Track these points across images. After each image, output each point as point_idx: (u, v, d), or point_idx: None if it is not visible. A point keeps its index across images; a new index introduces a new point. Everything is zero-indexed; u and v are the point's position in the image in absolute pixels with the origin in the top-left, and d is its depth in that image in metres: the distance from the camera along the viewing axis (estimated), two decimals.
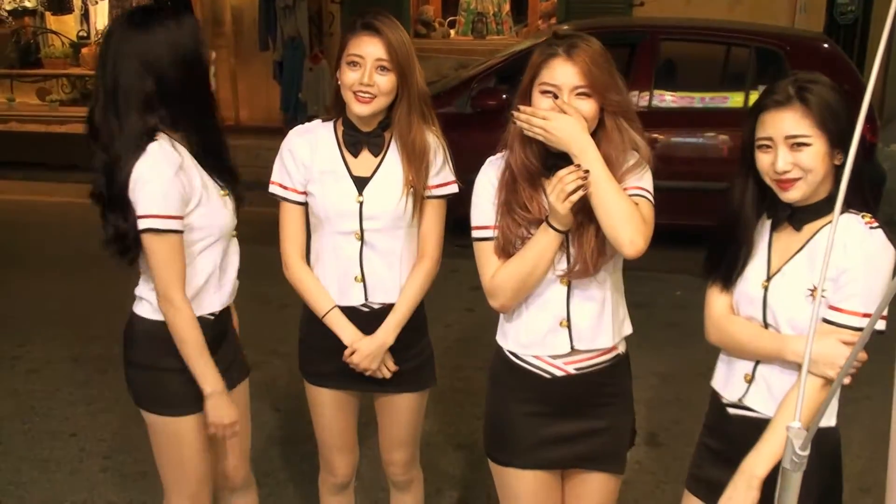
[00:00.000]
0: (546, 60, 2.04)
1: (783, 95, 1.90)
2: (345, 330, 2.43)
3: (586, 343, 2.15)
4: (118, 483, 3.60)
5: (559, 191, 1.96)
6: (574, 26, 7.29)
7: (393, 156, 2.40)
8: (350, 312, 2.44)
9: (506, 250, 2.13)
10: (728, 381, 2.11)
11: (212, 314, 2.38)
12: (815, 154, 1.89)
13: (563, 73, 2.01)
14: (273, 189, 2.44)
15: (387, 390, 2.53)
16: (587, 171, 1.95)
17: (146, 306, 2.35)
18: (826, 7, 8.98)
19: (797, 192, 1.93)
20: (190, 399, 2.34)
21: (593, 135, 2.02)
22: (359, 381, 2.50)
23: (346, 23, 9.66)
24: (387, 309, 2.44)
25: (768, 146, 1.94)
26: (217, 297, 2.39)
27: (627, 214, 1.96)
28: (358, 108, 2.31)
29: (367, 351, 2.42)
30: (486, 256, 2.17)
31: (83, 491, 3.56)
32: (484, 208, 2.17)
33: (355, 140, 2.39)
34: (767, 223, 2.05)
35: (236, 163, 2.47)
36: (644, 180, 2.08)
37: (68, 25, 10.39)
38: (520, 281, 2.10)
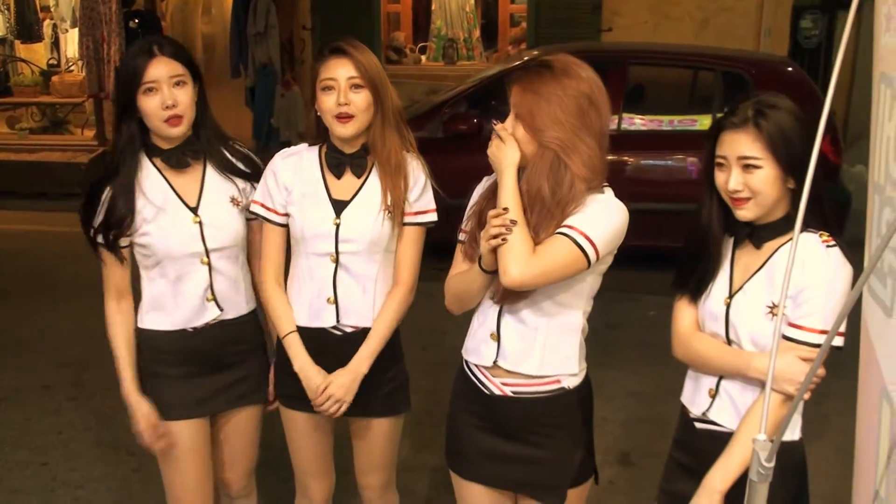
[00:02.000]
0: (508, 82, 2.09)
1: (740, 117, 1.95)
2: (298, 356, 2.43)
3: (510, 363, 2.16)
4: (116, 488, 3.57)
5: (485, 231, 2.01)
6: (544, 52, 7.37)
7: (374, 179, 2.41)
8: (320, 334, 2.44)
9: (471, 257, 2.17)
10: (694, 395, 2.14)
11: (167, 330, 2.44)
12: (766, 177, 1.93)
13: (513, 94, 2.07)
14: (254, 208, 2.46)
15: (361, 415, 2.52)
16: (514, 222, 1.97)
17: (139, 317, 2.49)
18: (790, 31, 9.16)
19: (748, 212, 1.98)
20: (178, 404, 2.44)
21: (529, 165, 2.05)
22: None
23: (318, 49, 9.72)
24: (358, 333, 2.43)
25: (723, 164, 1.99)
26: (167, 316, 2.44)
27: (510, 245, 1.97)
28: (341, 130, 2.33)
29: (343, 382, 2.41)
30: (455, 257, 2.26)
31: None
32: (468, 213, 2.25)
33: (338, 162, 2.41)
34: (731, 241, 2.09)
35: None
36: (575, 219, 2.01)
37: (38, 54, 10.35)
38: (455, 295, 2.23)
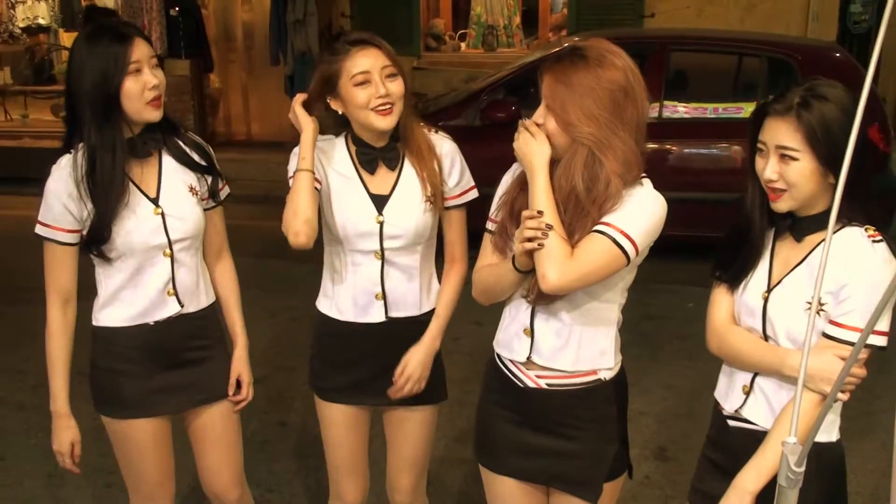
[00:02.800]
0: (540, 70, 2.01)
1: (785, 104, 1.85)
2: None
3: (544, 360, 2.11)
4: (123, 498, 3.54)
5: (519, 232, 1.94)
6: (584, 38, 7.27)
7: (408, 169, 2.37)
8: (370, 328, 2.42)
9: (501, 249, 2.12)
10: (728, 392, 2.07)
11: (126, 325, 2.36)
12: (802, 170, 1.84)
13: (544, 84, 1.99)
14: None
15: (397, 404, 2.48)
16: (550, 226, 1.90)
17: (94, 314, 2.41)
18: (839, 16, 8.94)
19: (783, 204, 1.90)
20: (133, 403, 2.38)
21: (562, 161, 1.98)
22: (371, 394, 2.46)
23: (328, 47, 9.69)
24: (405, 321, 2.43)
25: (762, 150, 1.91)
26: (125, 310, 2.35)
27: (547, 250, 1.91)
28: (382, 123, 2.27)
29: (419, 359, 2.41)
30: (484, 248, 2.20)
31: None
32: (498, 202, 2.18)
33: (370, 157, 2.35)
34: (771, 233, 2.01)
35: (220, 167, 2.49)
36: (614, 216, 1.94)
37: None
38: (485, 289, 2.17)
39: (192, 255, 2.42)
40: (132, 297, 2.35)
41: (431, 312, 2.47)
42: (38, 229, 2.30)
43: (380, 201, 2.34)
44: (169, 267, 2.36)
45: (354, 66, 2.25)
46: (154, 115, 2.26)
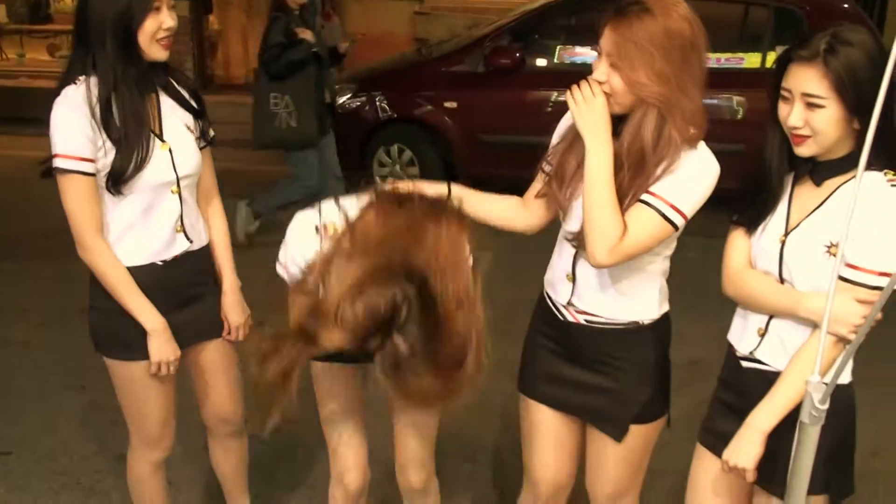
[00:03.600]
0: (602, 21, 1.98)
1: (811, 51, 1.83)
2: None
3: (585, 305, 2.16)
4: (128, 436, 3.61)
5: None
6: None
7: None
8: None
9: (546, 197, 2.21)
10: (742, 334, 2.09)
11: (137, 265, 2.34)
12: (829, 117, 1.83)
13: (606, 39, 1.95)
14: None
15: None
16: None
17: None
18: None
19: (807, 150, 1.89)
20: (141, 343, 2.35)
21: (625, 120, 1.96)
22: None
23: None
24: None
25: (787, 98, 1.89)
26: (136, 249, 2.34)
27: (599, 226, 1.94)
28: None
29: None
30: (533, 185, 2.27)
31: (93, 443, 3.59)
32: (552, 149, 2.20)
33: None
34: (790, 177, 2.01)
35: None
36: (664, 185, 1.95)
37: None
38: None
39: (193, 192, 2.45)
40: (143, 235, 2.34)
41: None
42: (61, 162, 2.21)
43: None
44: (178, 204, 2.37)
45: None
46: (162, 54, 2.28)
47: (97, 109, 2.20)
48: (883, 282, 1.81)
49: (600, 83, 1.97)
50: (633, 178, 1.97)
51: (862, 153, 1.32)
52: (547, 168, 2.19)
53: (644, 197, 1.96)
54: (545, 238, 2.30)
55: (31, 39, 10.02)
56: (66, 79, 2.24)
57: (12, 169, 7.47)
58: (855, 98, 1.80)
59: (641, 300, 2.15)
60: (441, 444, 3.38)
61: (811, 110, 1.85)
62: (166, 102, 2.37)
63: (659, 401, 2.24)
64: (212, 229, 2.56)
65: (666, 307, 2.21)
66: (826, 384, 1.25)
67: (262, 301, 2.72)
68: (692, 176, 1.98)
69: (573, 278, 2.15)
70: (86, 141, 2.21)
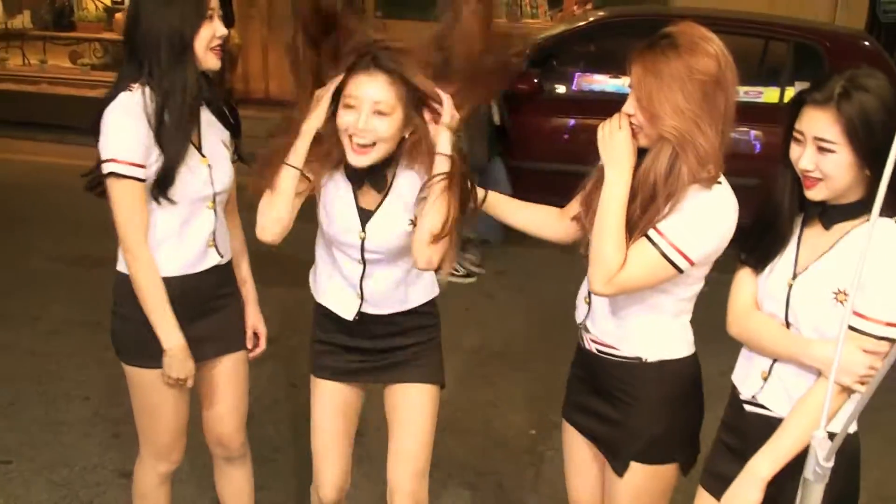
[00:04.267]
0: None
1: (825, 94, 1.81)
2: None
3: (596, 331, 2.20)
4: (130, 449, 3.56)
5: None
6: (609, 13, 7.20)
7: (400, 189, 2.31)
8: (346, 320, 2.42)
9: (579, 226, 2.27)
10: (746, 376, 2.07)
11: (169, 276, 2.34)
12: (839, 162, 1.82)
13: (633, 74, 1.98)
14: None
15: (390, 380, 2.49)
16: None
17: (122, 261, 2.36)
18: (868, 5, 8.83)
19: (818, 193, 1.88)
20: (161, 352, 2.35)
21: (650, 153, 1.99)
22: (364, 374, 2.49)
23: None
24: (383, 316, 2.43)
25: (799, 140, 1.88)
26: (170, 260, 2.34)
27: (601, 254, 1.99)
28: (354, 159, 2.23)
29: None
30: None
31: (94, 455, 3.57)
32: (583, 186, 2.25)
33: (357, 176, 2.30)
34: (799, 219, 1.99)
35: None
36: (671, 225, 1.96)
37: None
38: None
39: (224, 208, 2.48)
40: (178, 247, 2.35)
41: (425, 304, 2.47)
42: (116, 167, 2.20)
43: (365, 216, 2.31)
44: (213, 219, 2.40)
45: (350, 87, 2.18)
46: (215, 62, 2.29)
47: (153, 118, 2.21)
48: (889, 331, 1.79)
49: (629, 116, 2.00)
50: (643, 211, 1.99)
51: (875, 200, 1.30)
52: (581, 192, 2.24)
53: (650, 233, 1.97)
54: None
55: (54, 46, 10.09)
56: (119, 86, 2.25)
57: (29, 174, 7.53)
58: (867, 145, 1.78)
59: (646, 337, 2.14)
60: (443, 469, 3.38)
61: (822, 154, 1.83)
62: (206, 117, 2.38)
63: (670, 445, 2.20)
64: (233, 243, 2.58)
65: (681, 351, 2.16)
66: (831, 441, 1.22)
67: None
68: (702, 219, 1.97)
69: (589, 302, 2.21)
70: (141, 147, 2.21)
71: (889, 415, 3.69)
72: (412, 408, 2.49)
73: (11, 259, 5.62)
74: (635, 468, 2.19)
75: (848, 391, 1.84)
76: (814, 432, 1.30)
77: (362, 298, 2.39)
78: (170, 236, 2.33)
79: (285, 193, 2.23)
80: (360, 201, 2.32)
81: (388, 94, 2.16)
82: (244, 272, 2.63)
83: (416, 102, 2.22)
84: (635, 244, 1.98)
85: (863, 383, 1.84)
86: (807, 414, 1.87)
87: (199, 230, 2.38)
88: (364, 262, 2.35)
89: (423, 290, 2.46)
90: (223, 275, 2.50)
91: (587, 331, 2.23)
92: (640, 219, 1.99)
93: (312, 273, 2.52)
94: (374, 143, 2.18)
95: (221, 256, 2.45)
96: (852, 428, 1.96)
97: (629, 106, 2.00)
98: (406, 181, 2.31)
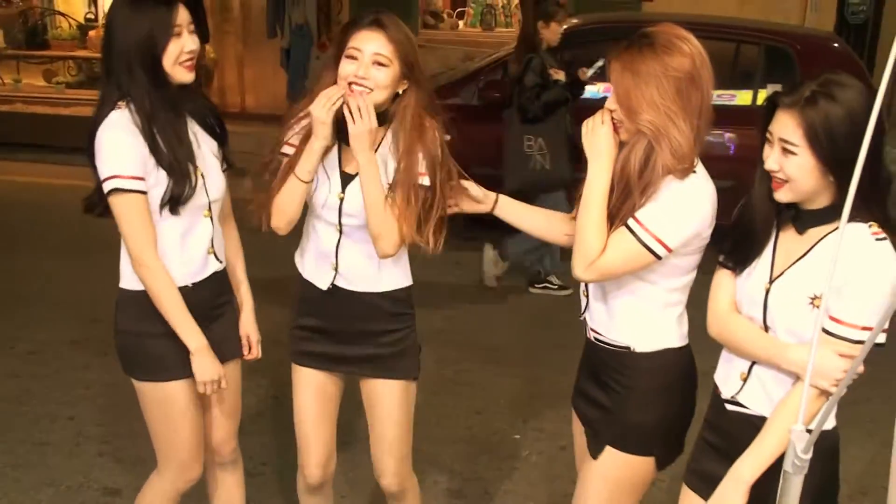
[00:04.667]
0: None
1: (793, 97, 1.85)
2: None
3: (592, 321, 2.28)
4: (115, 467, 3.60)
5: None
6: (583, 20, 7.26)
7: (384, 153, 2.39)
8: (324, 294, 2.49)
9: None
10: (727, 376, 2.10)
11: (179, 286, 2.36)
12: (800, 165, 1.85)
13: (611, 71, 2.05)
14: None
15: (367, 374, 2.55)
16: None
17: (127, 278, 2.39)
18: (837, 6, 8.95)
19: (784, 195, 1.92)
20: (175, 364, 2.38)
21: (625, 146, 2.07)
22: (339, 362, 2.55)
23: (355, 11, 9.63)
24: (361, 294, 2.47)
25: (770, 141, 1.92)
26: (175, 271, 2.35)
27: (582, 242, 2.09)
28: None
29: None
30: None
31: (79, 474, 3.56)
32: None
33: (345, 133, 2.34)
34: (777, 222, 2.03)
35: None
36: (648, 213, 2.03)
37: (76, 7, 10.38)
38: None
39: (219, 216, 2.51)
40: (181, 258, 2.38)
41: (398, 290, 2.51)
42: (119, 183, 2.22)
43: (347, 179, 2.39)
44: (210, 227, 2.43)
45: (354, 41, 2.31)
46: (187, 76, 2.31)
47: (145, 134, 2.25)
48: (865, 336, 1.81)
49: (611, 111, 2.08)
50: (620, 201, 2.07)
51: (845, 207, 1.33)
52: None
53: (629, 222, 2.05)
54: None
55: (28, 65, 10.07)
56: (104, 106, 2.28)
57: (6, 194, 7.49)
58: (829, 151, 1.81)
59: (634, 327, 2.19)
60: (430, 475, 3.39)
61: (786, 156, 1.87)
62: (194, 127, 2.41)
63: (650, 437, 2.23)
64: (229, 250, 2.61)
65: (672, 342, 2.20)
66: (809, 432, 1.25)
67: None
68: (678, 207, 2.04)
69: (587, 294, 2.28)
70: (140, 160, 2.24)
71: (867, 408, 3.75)
72: (391, 403, 2.56)
73: None
74: (610, 453, 2.23)
75: (826, 394, 1.87)
76: (792, 426, 1.33)
77: (337, 270, 2.45)
78: (173, 247, 2.35)
79: (295, 200, 2.36)
80: (344, 166, 2.39)
81: (387, 48, 2.29)
82: (239, 276, 2.66)
83: (408, 67, 2.34)
84: (615, 232, 2.06)
85: (837, 386, 1.87)
86: (787, 417, 1.89)
87: (199, 239, 2.41)
88: (341, 229, 2.41)
89: (396, 275, 2.50)
90: (221, 282, 2.53)
91: (586, 322, 2.30)
92: (618, 209, 2.07)
93: (299, 250, 2.58)
94: (371, 91, 2.29)
95: (220, 263, 2.49)
96: (831, 423, 2.00)
97: (611, 101, 2.08)
98: (389, 154, 2.39)
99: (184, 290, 2.37)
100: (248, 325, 2.66)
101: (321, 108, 2.26)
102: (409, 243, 2.39)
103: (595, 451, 2.27)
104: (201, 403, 2.56)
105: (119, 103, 2.26)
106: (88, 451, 3.69)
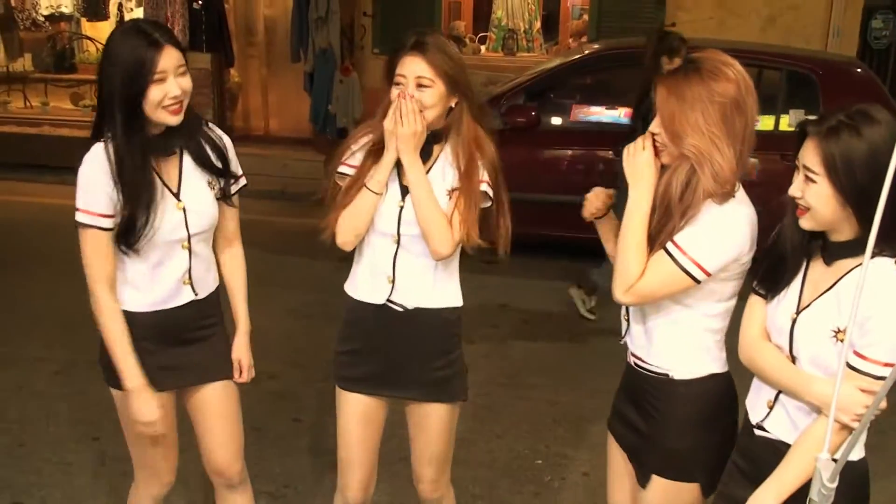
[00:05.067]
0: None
1: (819, 126, 1.87)
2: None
3: (633, 345, 2.31)
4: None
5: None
6: (604, 45, 7.29)
7: (442, 166, 2.46)
8: (379, 311, 2.50)
9: None
10: (755, 402, 2.12)
11: (139, 311, 2.42)
12: (819, 193, 1.86)
13: (658, 95, 2.09)
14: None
15: (416, 398, 2.57)
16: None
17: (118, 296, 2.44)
18: (860, 32, 8.93)
19: (806, 223, 1.93)
20: (148, 375, 2.40)
21: (668, 169, 2.10)
22: (389, 386, 2.55)
23: (377, 36, 9.72)
24: (417, 311, 2.49)
25: (797, 167, 1.94)
26: (141, 298, 2.42)
27: (622, 265, 2.12)
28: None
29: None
30: None
31: (103, 495, 3.59)
32: None
33: None
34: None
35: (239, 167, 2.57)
36: (687, 237, 2.07)
37: (104, 31, 10.47)
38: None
39: (206, 245, 2.52)
40: (150, 286, 2.42)
41: (450, 309, 2.54)
42: (80, 217, 2.32)
43: (406, 190, 2.44)
44: (187, 258, 2.45)
45: (398, 68, 2.40)
46: (172, 119, 2.32)
47: (115, 174, 2.29)
48: (887, 372, 1.81)
49: (654, 135, 2.12)
50: (661, 224, 2.10)
51: (869, 240, 1.34)
52: None
53: (668, 245, 2.08)
54: None
55: (56, 88, 10.19)
56: (92, 138, 2.34)
57: (33, 215, 7.58)
58: (846, 182, 1.82)
59: (672, 352, 2.21)
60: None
61: (807, 184, 1.89)
62: (189, 164, 2.44)
63: (692, 464, 2.24)
64: (230, 274, 2.64)
65: (710, 369, 2.22)
66: (836, 460, 1.25)
67: None
68: (717, 231, 2.06)
69: (628, 318, 2.32)
70: (105, 198, 2.30)
71: (892, 437, 3.71)
72: (439, 425, 2.61)
73: (16, 300, 5.66)
74: (657, 482, 2.25)
75: (848, 428, 1.87)
76: (818, 454, 1.33)
77: (393, 283, 2.47)
78: (139, 277, 2.41)
79: (366, 213, 2.43)
80: (403, 178, 2.44)
81: (428, 70, 2.36)
82: (238, 299, 2.67)
83: (453, 83, 2.41)
84: (654, 256, 2.09)
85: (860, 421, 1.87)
86: (809, 448, 1.89)
87: (172, 270, 2.44)
88: (399, 239, 2.45)
89: (449, 292, 2.55)
90: (203, 307, 2.53)
91: (627, 346, 2.33)
92: (658, 232, 2.10)
93: (351, 277, 2.59)
94: (421, 110, 2.37)
95: (196, 294, 2.49)
96: (860, 454, 2.00)
97: (655, 125, 2.11)
98: (448, 163, 2.46)
99: (153, 314, 2.43)
100: (240, 349, 2.66)
101: (391, 122, 2.35)
102: (471, 247, 2.45)
103: (643, 481, 2.30)
104: (199, 424, 2.61)
105: (103, 138, 2.31)
106: (113, 472, 3.71)
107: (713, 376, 2.22)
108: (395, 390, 2.57)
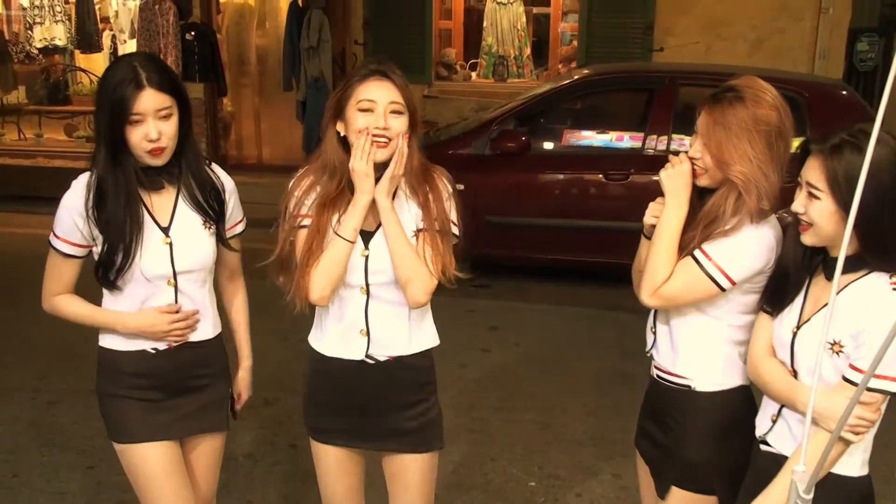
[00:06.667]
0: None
1: (822, 144, 1.92)
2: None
3: (658, 357, 2.36)
4: None
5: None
6: (594, 71, 7.37)
7: (401, 203, 2.33)
8: (354, 366, 2.38)
9: None
10: (762, 417, 2.16)
11: (128, 350, 2.41)
12: (822, 209, 1.92)
13: (701, 121, 2.16)
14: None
15: (394, 449, 2.46)
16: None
17: (101, 333, 2.47)
18: (845, 54, 9.03)
19: (808, 238, 1.98)
20: (136, 427, 2.39)
21: (713, 190, 2.17)
22: (364, 438, 2.46)
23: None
24: (392, 361, 2.38)
25: (800, 184, 1.99)
26: (124, 337, 2.41)
27: (651, 269, 2.19)
28: (377, 153, 2.25)
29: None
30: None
31: None
32: None
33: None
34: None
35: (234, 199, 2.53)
36: (712, 244, 2.14)
37: (97, 63, 10.56)
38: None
39: (199, 286, 2.44)
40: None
41: (423, 354, 2.43)
42: (50, 237, 2.39)
43: (367, 236, 2.31)
44: (172, 296, 2.39)
45: (363, 93, 2.26)
46: (153, 161, 2.30)
47: (91, 205, 2.30)
48: (882, 384, 1.87)
49: (694, 160, 2.18)
50: (700, 240, 2.17)
51: (840, 251, 1.38)
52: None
53: (695, 252, 2.15)
54: None
55: (49, 120, 10.24)
56: (88, 166, 2.37)
57: (27, 246, 7.58)
58: (848, 199, 1.86)
59: (697, 362, 2.25)
60: None
61: (810, 200, 1.94)
62: (183, 203, 2.40)
63: (710, 475, 2.27)
64: (233, 310, 2.64)
65: (732, 382, 2.26)
66: (839, 482, 1.27)
67: None
68: (743, 241, 2.13)
69: (654, 330, 2.37)
70: (73, 227, 2.34)
71: (885, 455, 3.71)
72: (417, 477, 2.49)
73: (11, 331, 5.67)
74: (675, 493, 2.29)
75: (843, 441, 1.91)
76: (794, 467, 1.36)
77: (369, 336, 2.35)
78: (128, 311, 2.39)
79: (341, 263, 2.28)
80: (363, 224, 2.30)
81: (399, 96, 2.27)
82: (241, 335, 2.66)
83: (413, 114, 2.32)
84: (681, 261, 2.16)
85: (856, 433, 1.90)
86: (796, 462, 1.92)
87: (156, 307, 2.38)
88: (368, 290, 2.32)
89: (425, 334, 2.43)
90: (198, 354, 2.47)
91: (652, 358, 2.39)
92: (695, 239, 2.17)
93: (316, 330, 2.46)
94: (390, 140, 2.25)
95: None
96: (857, 471, 2.03)
97: (695, 151, 2.17)
98: (407, 198, 2.34)
99: (143, 355, 2.40)
100: (241, 384, 2.65)
101: (362, 162, 2.21)
102: (449, 282, 2.32)
103: (662, 492, 2.34)
104: (187, 464, 2.53)
105: (92, 169, 2.33)
106: (108, 500, 3.71)
107: (735, 389, 2.27)
108: (370, 442, 2.46)
